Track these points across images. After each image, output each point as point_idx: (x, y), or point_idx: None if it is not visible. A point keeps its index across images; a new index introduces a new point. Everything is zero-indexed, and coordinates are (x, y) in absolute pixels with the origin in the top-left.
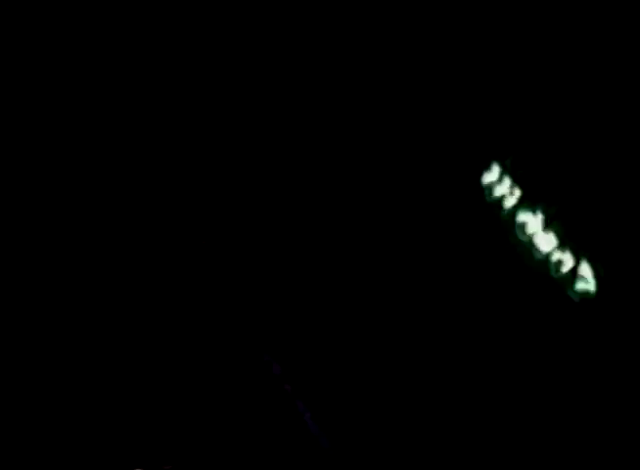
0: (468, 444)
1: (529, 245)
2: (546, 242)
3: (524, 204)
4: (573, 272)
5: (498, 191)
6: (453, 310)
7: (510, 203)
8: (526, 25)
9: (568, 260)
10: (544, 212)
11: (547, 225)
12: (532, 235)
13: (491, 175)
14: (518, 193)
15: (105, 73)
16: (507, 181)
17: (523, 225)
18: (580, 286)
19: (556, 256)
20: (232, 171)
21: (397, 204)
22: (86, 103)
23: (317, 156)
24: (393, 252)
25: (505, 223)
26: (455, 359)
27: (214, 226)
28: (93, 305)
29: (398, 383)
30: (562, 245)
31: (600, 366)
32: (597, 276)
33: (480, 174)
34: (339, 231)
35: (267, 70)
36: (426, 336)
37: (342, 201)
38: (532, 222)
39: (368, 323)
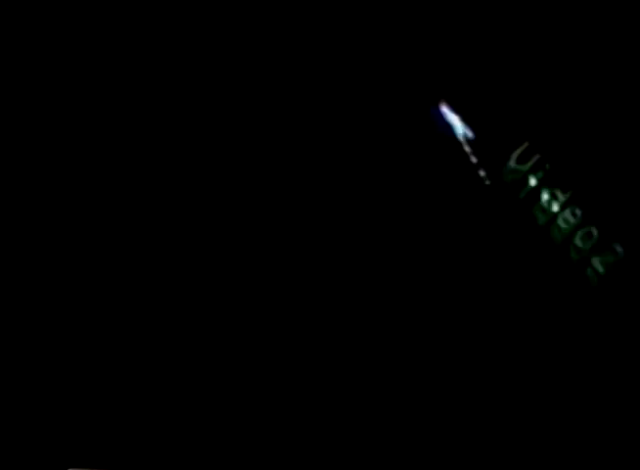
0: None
1: (552, 223)
2: (570, 218)
3: (551, 181)
4: (596, 248)
5: (522, 168)
6: (474, 288)
7: (534, 181)
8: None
9: (592, 235)
10: (571, 189)
11: (572, 202)
12: (557, 212)
13: (518, 152)
14: (546, 168)
15: (105, 73)
16: (535, 158)
17: (547, 202)
18: (602, 262)
19: (580, 232)
20: (232, 171)
21: (414, 182)
22: (86, 103)
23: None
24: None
25: (525, 201)
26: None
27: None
28: (93, 304)
29: None
30: (587, 221)
31: (617, 350)
32: (621, 253)
33: (505, 151)
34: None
35: (267, 70)
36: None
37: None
38: (559, 198)
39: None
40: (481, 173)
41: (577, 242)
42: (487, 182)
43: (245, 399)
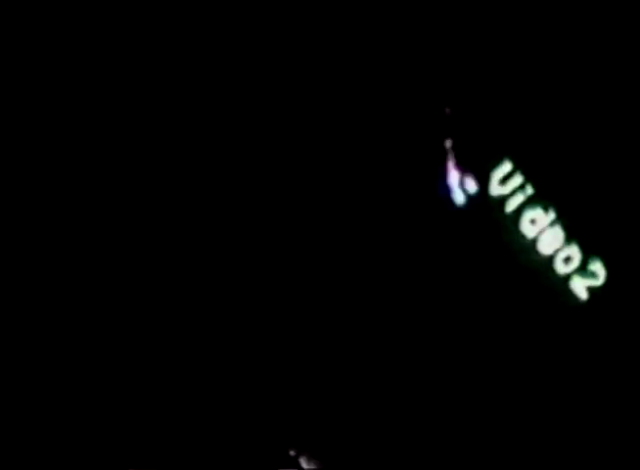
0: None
1: (535, 242)
2: (553, 238)
3: (534, 199)
4: (581, 268)
5: (506, 188)
6: (456, 308)
7: (517, 199)
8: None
9: (575, 256)
10: (555, 208)
11: (557, 220)
12: (540, 231)
13: (502, 170)
14: (530, 189)
15: (105, 73)
16: (518, 177)
17: (530, 221)
18: (588, 282)
19: (564, 252)
20: (232, 171)
21: (395, 197)
22: (86, 103)
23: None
24: (391, 252)
25: (509, 220)
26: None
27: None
28: (93, 305)
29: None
30: (569, 240)
31: (605, 364)
32: (606, 271)
33: (486, 170)
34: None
35: (267, 71)
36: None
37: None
38: (541, 218)
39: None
40: (467, 188)
41: (558, 265)
42: (472, 196)
43: (245, 399)
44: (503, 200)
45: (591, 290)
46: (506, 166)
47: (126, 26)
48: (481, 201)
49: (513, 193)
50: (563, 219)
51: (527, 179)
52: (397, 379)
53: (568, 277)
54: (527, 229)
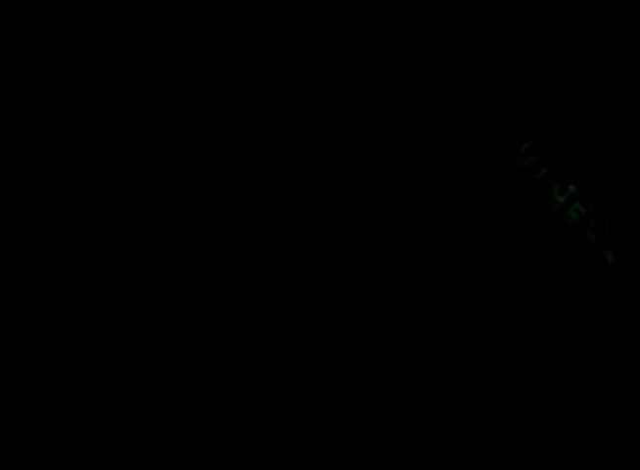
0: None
1: (565, 208)
2: (582, 206)
3: (563, 170)
4: (610, 235)
5: (532, 158)
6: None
7: (546, 169)
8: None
9: (603, 224)
10: (582, 181)
11: (584, 191)
12: (570, 198)
13: (530, 142)
14: (559, 160)
15: (105, 73)
16: (546, 149)
17: (559, 189)
18: (616, 248)
19: (593, 220)
20: (232, 172)
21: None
22: (86, 103)
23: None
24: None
25: (538, 188)
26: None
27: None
28: (93, 305)
29: None
30: (597, 209)
31: (632, 331)
32: (634, 239)
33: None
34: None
35: (267, 71)
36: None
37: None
38: (571, 187)
39: None
40: (495, 158)
41: (589, 234)
42: (501, 168)
43: (245, 399)
44: (532, 167)
45: (619, 255)
46: (534, 139)
47: (126, 26)
48: (511, 169)
49: (542, 162)
50: (589, 191)
51: (556, 152)
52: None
53: (597, 244)
54: (558, 196)
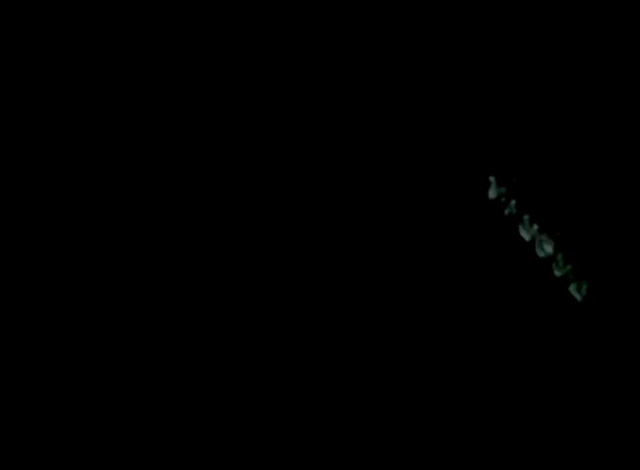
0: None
1: (533, 242)
2: (549, 242)
3: (530, 204)
4: (576, 271)
5: (502, 191)
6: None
7: (514, 203)
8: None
9: (569, 259)
10: (548, 214)
11: (551, 225)
12: (536, 232)
13: (499, 174)
14: (524, 194)
15: (105, 74)
16: (513, 182)
17: (526, 222)
18: (583, 286)
19: (559, 254)
20: (231, 172)
21: (397, 202)
22: (86, 103)
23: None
24: (392, 251)
25: (507, 220)
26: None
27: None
28: (93, 305)
29: None
30: (563, 244)
31: (602, 365)
32: (596, 277)
33: (482, 178)
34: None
35: (267, 71)
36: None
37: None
38: (537, 222)
39: None
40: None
41: (556, 269)
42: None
43: (245, 399)
44: (500, 202)
45: (585, 292)
46: (502, 171)
47: (126, 27)
48: (480, 203)
49: (510, 196)
50: (555, 224)
51: (521, 185)
52: (400, 375)
53: (564, 279)
54: (524, 232)
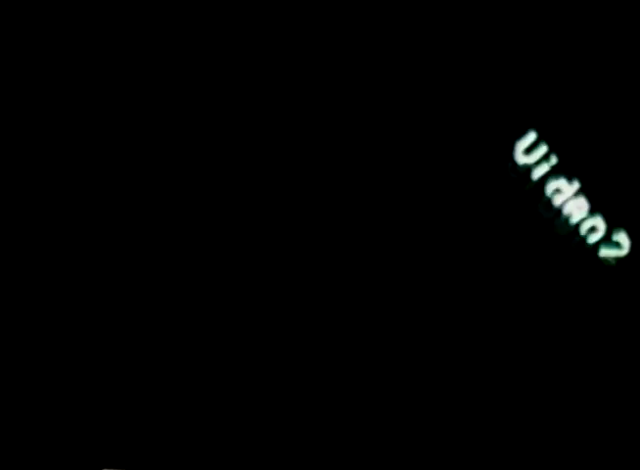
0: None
1: (560, 212)
2: (577, 208)
3: (559, 169)
4: (606, 238)
5: (530, 159)
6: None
7: (541, 170)
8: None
9: (600, 226)
10: (579, 179)
11: (580, 191)
12: (564, 202)
13: (525, 141)
14: (554, 159)
15: (105, 74)
16: (543, 147)
17: (555, 192)
18: (613, 252)
19: (588, 222)
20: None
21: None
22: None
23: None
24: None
25: (532, 192)
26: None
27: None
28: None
29: None
30: (593, 211)
31: (631, 335)
32: (630, 242)
33: (511, 142)
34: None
35: (267, 71)
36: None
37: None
38: (566, 189)
39: None
40: (487, 165)
41: (583, 235)
42: (493, 174)
43: (245, 399)
44: (529, 169)
45: (617, 259)
46: (531, 136)
47: (126, 27)
48: (508, 170)
49: (538, 162)
50: (587, 190)
51: (552, 149)
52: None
53: (593, 247)
54: (553, 198)
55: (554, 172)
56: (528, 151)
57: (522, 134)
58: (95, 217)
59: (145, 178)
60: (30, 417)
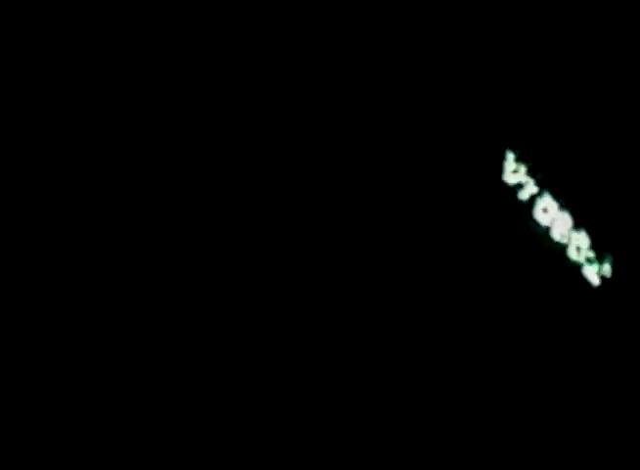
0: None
1: (548, 229)
2: (563, 224)
3: (543, 189)
4: (592, 254)
5: (515, 179)
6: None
7: (528, 190)
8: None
9: (584, 243)
10: (559, 197)
11: (564, 207)
12: (552, 219)
13: (508, 164)
14: (534, 180)
15: (105, 73)
16: (523, 169)
17: (542, 209)
18: (598, 268)
19: (574, 238)
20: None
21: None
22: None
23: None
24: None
25: (522, 209)
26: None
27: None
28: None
29: None
30: (577, 227)
31: (614, 350)
32: (613, 259)
33: (497, 163)
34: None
35: (267, 71)
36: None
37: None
38: (551, 206)
39: None
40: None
41: (571, 252)
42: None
43: (245, 399)
44: (516, 188)
45: (603, 277)
46: (513, 157)
47: (127, 27)
48: (496, 189)
49: (525, 182)
50: (571, 208)
51: (536, 170)
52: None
53: (580, 264)
54: (541, 217)
55: (541, 191)
56: (515, 171)
57: (507, 155)
58: (95, 217)
59: (145, 178)
60: (30, 417)
